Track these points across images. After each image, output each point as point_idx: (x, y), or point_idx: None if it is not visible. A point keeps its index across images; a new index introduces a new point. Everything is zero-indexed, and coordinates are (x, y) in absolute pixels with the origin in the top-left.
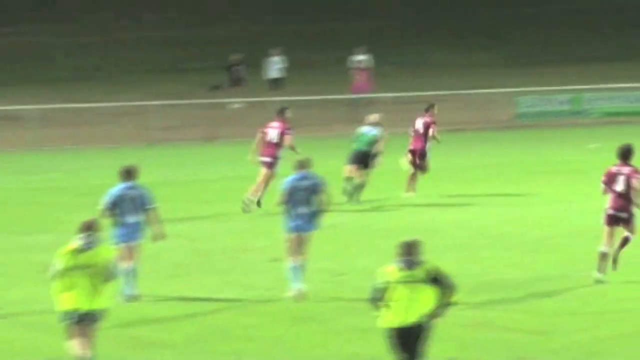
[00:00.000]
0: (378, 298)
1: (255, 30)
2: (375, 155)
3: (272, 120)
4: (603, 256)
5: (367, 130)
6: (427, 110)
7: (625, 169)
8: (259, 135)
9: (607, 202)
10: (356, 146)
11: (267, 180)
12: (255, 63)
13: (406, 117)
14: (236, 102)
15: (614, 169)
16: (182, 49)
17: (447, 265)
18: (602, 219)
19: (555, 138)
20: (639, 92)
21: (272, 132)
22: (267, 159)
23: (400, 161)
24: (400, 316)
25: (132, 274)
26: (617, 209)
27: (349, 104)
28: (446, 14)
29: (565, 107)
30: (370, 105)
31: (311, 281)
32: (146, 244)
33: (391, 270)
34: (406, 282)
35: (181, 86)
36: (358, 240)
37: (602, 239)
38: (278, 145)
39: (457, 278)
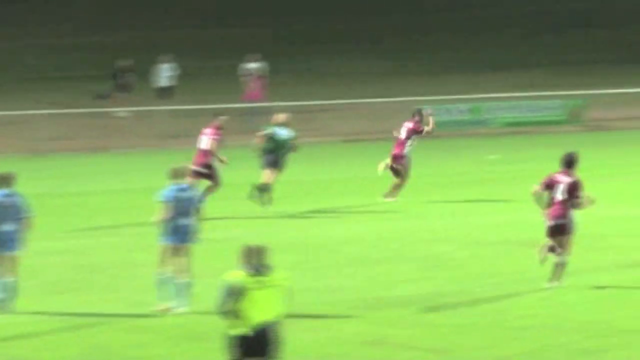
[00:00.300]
0: (227, 305)
1: (145, 37)
2: (289, 152)
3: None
4: (549, 248)
5: (277, 132)
6: (413, 116)
7: (567, 179)
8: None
9: (545, 213)
10: (267, 148)
11: (211, 190)
12: (145, 71)
13: (302, 127)
14: (123, 111)
15: (556, 176)
16: (68, 56)
17: (343, 280)
18: (544, 230)
19: (455, 148)
20: (540, 101)
21: (203, 139)
22: (200, 169)
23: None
24: (248, 322)
25: (8, 287)
26: (557, 217)
27: (242, 114)
28: (344, 21)
29: (465, 117)
30: (264, 114)
31: (200, 298)
32: (26, 258)
33: (239, 275)
34: (254, 287)
35: (67, 95)
36: None
37: (547, 241)
38: (209, 153)
39: (354, 293)
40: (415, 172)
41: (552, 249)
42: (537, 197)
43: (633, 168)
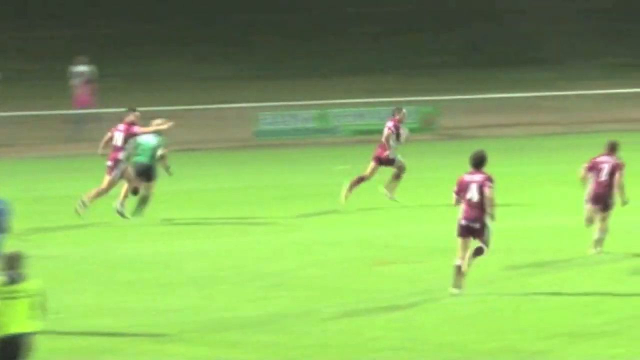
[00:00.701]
0: None
1: None
2: (160, 164)
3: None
4: (458, 270)
5: (146, 140)
6: (393, 115)
7: (478, 177)
8: (107, 135)
9: (459, 212)
10: (137, 158)
11: (108, 187)
12: None
13: None
14: None
15: (466, 177)
16: None
17: (181, 300)
18: (455, 230)
19: (300, 159)
20: (389, 108)
21: (118, 135)
22: (110, 164)
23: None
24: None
25: None
26: (470, 219)
27: (70, 121)
28: (179, 22)
29: (310, 125)
30: (95, 121)
31: None
32: None
33: None
34: (7, 297)
35: None
36: (80, 274)
37: (457, 252)
38: (122, 149)
39: (191, 314)
40: (258, 184)
41: (459, 270)
42: (459, 205)
43: None
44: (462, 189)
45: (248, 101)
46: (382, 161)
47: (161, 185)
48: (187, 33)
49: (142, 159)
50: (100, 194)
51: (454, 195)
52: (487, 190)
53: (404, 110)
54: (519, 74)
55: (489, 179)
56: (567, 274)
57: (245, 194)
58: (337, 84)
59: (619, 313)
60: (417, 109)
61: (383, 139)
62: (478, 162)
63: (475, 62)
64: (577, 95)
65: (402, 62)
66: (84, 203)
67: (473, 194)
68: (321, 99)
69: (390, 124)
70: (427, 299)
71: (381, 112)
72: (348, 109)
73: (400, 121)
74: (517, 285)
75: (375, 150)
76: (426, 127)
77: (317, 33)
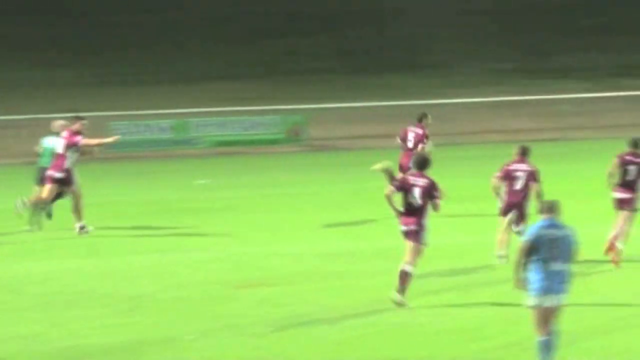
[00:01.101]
0: None
1: None
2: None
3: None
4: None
5: (51, 143)
6: (419, 121)
7: (422, 181)
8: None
9: (400, 218)
10: (42, 162)
11: (76, 202)
12: None
13: None
14: None
15: (410, 178)
16: None
17: (26, 327)
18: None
19: (156, 172)
20: (254, 117)
21: (58, 142)
22: (57, 174)
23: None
24: None
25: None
26: (408, 224)
27: None
28: (18, 23)
29: (167, 135)
30: None
31: None
32: None
33: None
34: None
35: None
36: None
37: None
38: (64, 157)
39: (39, 343)
40: (111, 199)
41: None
42: (390, 200)
43: (362, 194)
44: (403, 187)
45: (100, 110)
46: (402, 169)
47: (3, 202)
48: (25, 36)
49: (47, 162)
50: (79, 205)
51: (389, 187)
52: (437, 203)
53: (429, 116)
54: (398, 80)
55: (435, 186)
56: (450, 296)
57: (97, 211)
58: (195, 91)
59: (504, 338)
60: (283, 118)
61: (411, 146)
62: (420, 164)
63: (348, 68)
64: (461, 104)
65: (267, 68)
66: (80, 225)
67: (415, 199)
68: (176, 108)
69: (419, 131)
70: (293, 324)
71: (245, 122)
72: (209, 119)
73: (426, 126)
74: (399, 309)
75: (401, 158)
76: (293, 138)
77: (171, 37)
